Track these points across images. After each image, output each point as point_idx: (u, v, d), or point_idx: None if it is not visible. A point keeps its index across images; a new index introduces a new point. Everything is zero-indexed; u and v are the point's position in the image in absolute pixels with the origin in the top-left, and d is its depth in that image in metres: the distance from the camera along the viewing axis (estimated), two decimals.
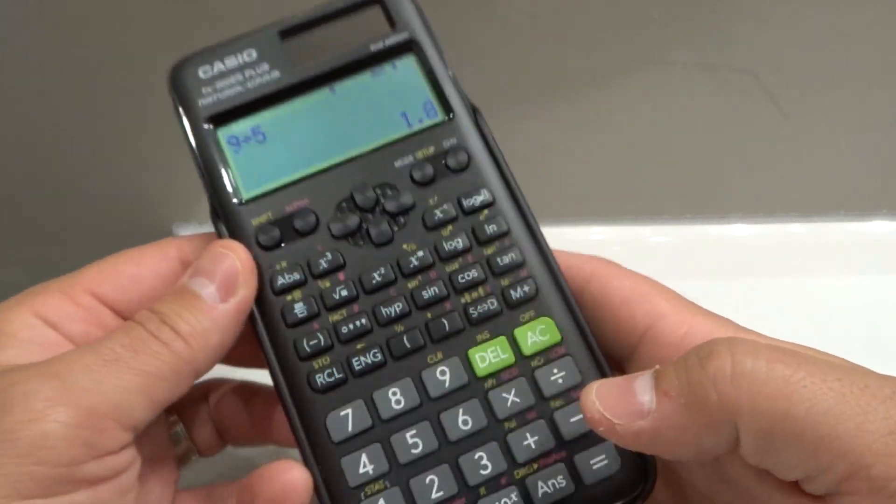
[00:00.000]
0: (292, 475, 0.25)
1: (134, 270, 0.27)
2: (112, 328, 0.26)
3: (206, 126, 0.28)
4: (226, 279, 0.25)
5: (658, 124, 0.50)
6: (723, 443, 0.21)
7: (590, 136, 0.49)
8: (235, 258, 0.26)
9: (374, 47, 0.29)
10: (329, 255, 0.27)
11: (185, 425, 0.31)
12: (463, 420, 0.26)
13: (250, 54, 0.29)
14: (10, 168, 0.53)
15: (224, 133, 0.28)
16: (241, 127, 0.28)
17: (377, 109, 0.28)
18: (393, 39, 0.29)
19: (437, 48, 0.29)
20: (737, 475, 0.23)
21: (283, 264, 0.27)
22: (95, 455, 0.23)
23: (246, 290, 0.26)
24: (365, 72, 0.29)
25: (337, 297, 0.27)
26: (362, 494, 0.25)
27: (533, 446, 0.25)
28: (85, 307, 0.26)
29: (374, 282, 0.27)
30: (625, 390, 0.22)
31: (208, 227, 0.55)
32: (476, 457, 0.25)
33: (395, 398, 0.26)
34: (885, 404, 0.19)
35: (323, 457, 0.25)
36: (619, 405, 0.21)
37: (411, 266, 0.27)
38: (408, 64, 0.29)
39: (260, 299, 0.27)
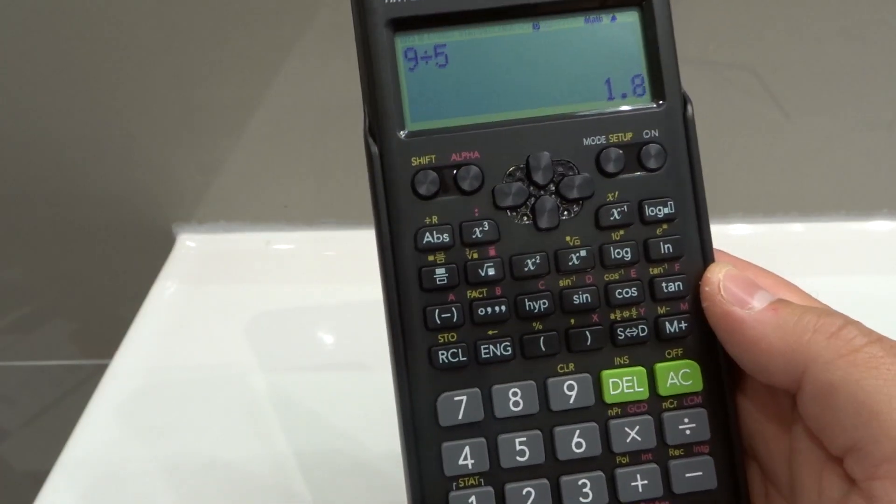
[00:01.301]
0: None
1: None
2: None
3: (383, 28, 0.24)
4: None
5: None
6: (784, 377, 0.22)
7: None
8: None
9: None
10: (485, 225, 0.24)
11: None
12: (577, 442, 0.24)
13: None
14: (10, 168, 0.53)
15: (403, 42, 0.24)
16: (423, 41, 0.24)
17: (580, 66, 0.25)
18: None
19: (668, 13, 0.25)
20: (798, 445, 0.23)
21: (434, 219, 0.24)
22: None
23: None
24: (578, 16, 0.25)
25: (482, 273, 0.24)
26: (454, 485, 0.24)
27: (640, 489, 0.24)
28: None
29: (525, 268, 0.24)
30: (748, 285, 0.24)
31: (209, 227, 0.56)
32: (579, 483, 0.24)
33: (514, 399, 0.24)
34: None
35: (424, 437, 0.24)
36: (735, 286, 0.24)
37: (569, 263, 0.24)
38: (630, 22, 0.25)
39: (398, 251, 0.24)
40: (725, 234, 0.54)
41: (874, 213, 0.54)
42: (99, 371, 0.46)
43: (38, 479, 0.40)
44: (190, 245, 0.56)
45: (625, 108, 0.25)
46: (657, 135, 0.25)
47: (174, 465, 0.40)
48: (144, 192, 0.53)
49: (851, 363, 0.21)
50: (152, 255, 0.54)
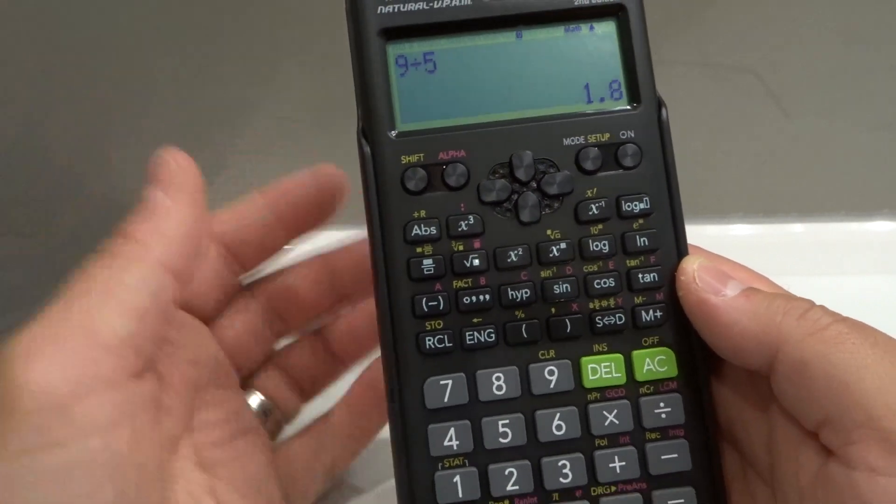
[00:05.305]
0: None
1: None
2: None
3: (376, 37, 0.26)
4: (166, 178, 0.26)
5: None
6: (758, 358, 0.24)
7: None
8: (173, 160, 0.27)
9: (578, 1, 0.26)
10: (471, 219, 0.26)
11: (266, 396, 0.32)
12: (557, 425, 0.25)
13: None
14: (10, 168, 0.53)
15: (394, 50, 0.26)
16: (413, 49, 0.26)
17: (560, 72, 0.26)
18: None
19: (643, 23, 0.27)
20: (775, 424, 0.25)
21: (422, 213, 0.26)
22: (95, 388, 0.23)
23: (185, 176, 0.27)
24: (559, 25, 0.27)
25: (468, 263, 0.25)
26: (440, 465, 0.25)
27: (618, 470, 0.25)
28: None
29: (508, 259, 0.26)
30: (721, 274, 0.25)
31: None
32: (559, 463, 0.25)
33: (498, 383, 0.25)
34: None
35: (411, 418, 0.25)
36: (708, 276, 0.25)
37: (550, 255, 0.26)
38: (607, 31, 0.27)
39: (388, 243, 0.25)
40: (725, 234, 0.54)
41: (874, 213, 0.54)
42: None
43: None
44: None
45: (603, 110, 0.26)
46: (633, 135, 0.26)
47: None
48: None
49: (820, 340, 0.22)
50: None
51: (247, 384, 0.33)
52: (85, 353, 0.23)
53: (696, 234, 0.55)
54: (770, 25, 0.45)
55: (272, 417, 0.33)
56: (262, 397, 0.33)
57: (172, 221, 0.26)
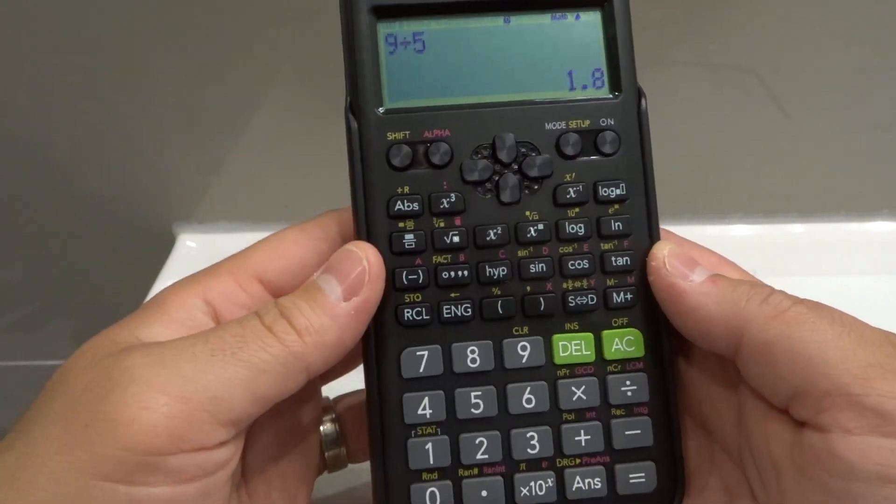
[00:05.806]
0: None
1: (300, 253, 0.27)
2: None
3: (367, 14, 0.27)
4: (353, 280, 0.25)
5: (658, 124, 0.49)
6: (723, 342, 0.25)
7: None
8: (366, 260, 0.25)
9: None
10: (452, 197, 0.26)
11: (341, 430, 0.32)
12: (527, 398, 0.26)
13: None
14: (10, 168, 0.53)
15: (384, 29, 0.27)
16: (403, 28, 0.27)
17: (545, 59, 0.27)
18: None
19: (627, 14, 0.27)
20: (744, 402, 0.26)
21: (406, 189, 0.26)
22: (185, 448, 0.23)
23: (370, 293, 0.25)
24: (546, 13, 0.27)
25: (448, 240, 0.26)
26: (413, 432, 0.26)
27: (583, 443, 0.26)
28: (250, 293, 0.27)
29: (487, 238, 0.27)
30: (689, 260, 0.26)
31: (209, 227, 0.56)
32: (527, 435, 0.26)
33: (472, 356, 0.26)
34: (874, 348, 0.23)
35: (387, 387, 0.26)
36: (677, 262, 0.26)
37: (528, 235, 0.27)
38: (592, 20, 0.28)
39: (371, 217, 0.26)
40: (725, 235, 0.54)
41: (874, 213, 0.54)
42: None
43: None
44: (190, 245, 0.56)
45: (584, 97, 0.27)
46: (613, 123, 0.27)
47: None
48: (144, 192, 0.54)
49: (783, 322, 0.24)
50: (152, 255, 0.55)
51: (330, 405, 0.32)
52: (195, 416, 0.23)
53: (696, 234, 0.55)
54: (770, 25, 0.46)
55: (334, 449, 0.32)
56: (333, 425, 0.32)
57: (338, 333, 0.25)
